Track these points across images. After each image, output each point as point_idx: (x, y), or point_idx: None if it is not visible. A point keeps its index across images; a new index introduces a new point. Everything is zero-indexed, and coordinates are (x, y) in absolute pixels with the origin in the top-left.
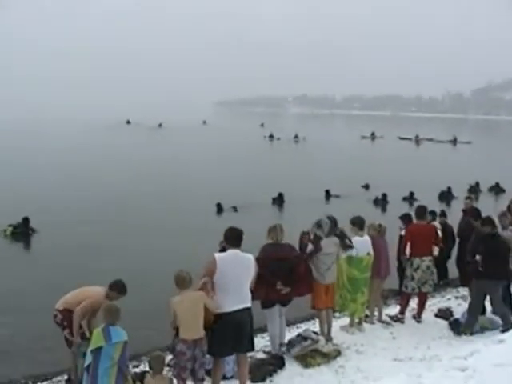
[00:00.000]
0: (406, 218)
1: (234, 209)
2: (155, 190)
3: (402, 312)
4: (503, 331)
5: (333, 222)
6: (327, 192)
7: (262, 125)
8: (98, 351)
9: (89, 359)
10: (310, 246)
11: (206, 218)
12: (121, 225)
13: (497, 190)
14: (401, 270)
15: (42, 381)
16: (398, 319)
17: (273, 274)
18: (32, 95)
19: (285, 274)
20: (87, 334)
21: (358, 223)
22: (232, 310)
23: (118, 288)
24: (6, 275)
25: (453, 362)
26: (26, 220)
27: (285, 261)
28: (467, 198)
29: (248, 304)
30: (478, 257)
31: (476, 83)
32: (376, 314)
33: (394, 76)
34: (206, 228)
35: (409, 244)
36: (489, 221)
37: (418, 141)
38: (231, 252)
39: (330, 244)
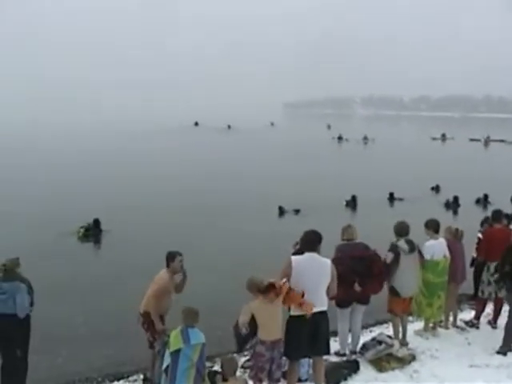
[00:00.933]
0: (486, 222)
1: (296, 212)
2: (221, 191)
3: (478, 317)
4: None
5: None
6: (391, 195)
7: (329, 126)
8: (176, 353)
9: (167, 361)
10: (391, 256)
11: (267, 220)
12: (183, 225)
13: None
14: (476, 275)
15: (119, 379)
16: (473, 325)
17: (351, 272)
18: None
19: (362, 271)
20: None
21: (433, 226)
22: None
23: (176, 253)
24: (82, 275)
25: None
26: (96, 221)
27: (361, 258)
28: None
29: (324, 307)
30: None
31: None
32: (451, 318)
33: (463, 76)
34: (267, 231)
35: (483, 247)
36: None
37: (487, 142)
38: (307, 255)
39: (410, 260)
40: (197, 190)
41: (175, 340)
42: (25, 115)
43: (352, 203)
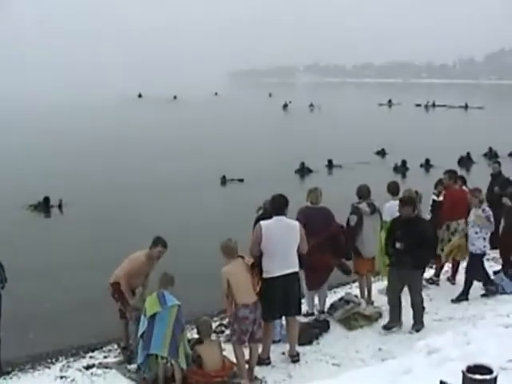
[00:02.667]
0: (439, 184)
1: (240, 181)
2: (166, 164)
3: (437, 275)
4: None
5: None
6: (329, 162)
7: (270, 94)
8: (153, 317)
9: (143, 327)
10: (355, 218)
11: (211, 190)
12: (125, 201)
13: None
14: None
15: (93, 350)
16: (433, 282)
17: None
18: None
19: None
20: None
21: (392, 188)
22: (280, 274)
23: (160, 242)
24: (42, 251)
25: (496, 319)
26: (46, 199)
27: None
28: (495, 162)
29: (295, 268)
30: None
31: (489, 48)
32: None
33: (405, 43)
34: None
35: (447, 207)
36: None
37: (428, 107)
38: (276, 219)
39: (371, 222)
40: (143, 163)
41: (152, 305)
42: None
43: (301, 171)
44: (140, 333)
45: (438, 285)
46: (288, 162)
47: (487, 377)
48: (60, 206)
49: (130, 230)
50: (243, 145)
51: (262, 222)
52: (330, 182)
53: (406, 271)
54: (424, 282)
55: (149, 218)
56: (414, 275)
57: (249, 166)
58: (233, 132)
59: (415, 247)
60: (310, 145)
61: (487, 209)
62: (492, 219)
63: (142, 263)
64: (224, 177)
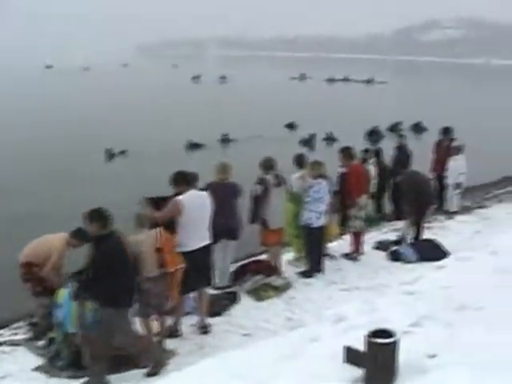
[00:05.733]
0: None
1: (122, 152)
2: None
3: (357, 251)
4: None
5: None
6: (224, 137)
7: (176, 66)
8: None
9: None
10: (260, 188)
11: (95, 163)
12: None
13: (418, 128)
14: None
15: (1, 328)
16: (353, 258)
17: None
18: None
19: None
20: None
21: (298, 161)
22: (197, 247)
23: (80, 235)
24: None
25: (400, 287)
26: None
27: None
28: (399, 135)
29: (209, 241)
30: None
31: (397, 24)
32: None
33: (315, 16)
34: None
35: (354, 184)
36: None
37: (333, 81)
38: (191, 192)
39: (277, 193)
40: (31, 138)
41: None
42: None
43: (192, 146)
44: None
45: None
46: (183, 136)
47: (389, 340)
48: None
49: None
50: (138, 116)
51: (181, 197)
52: (223, 156)
53: None
54: (332, 253)
55: (27, 195)
56: None
57: (139, 138)
58: (134, 104)
59: None
60: (214, 118)
61: (323, 183)
62: (321, 194)
63: (61, 251)
64: (109, 149)
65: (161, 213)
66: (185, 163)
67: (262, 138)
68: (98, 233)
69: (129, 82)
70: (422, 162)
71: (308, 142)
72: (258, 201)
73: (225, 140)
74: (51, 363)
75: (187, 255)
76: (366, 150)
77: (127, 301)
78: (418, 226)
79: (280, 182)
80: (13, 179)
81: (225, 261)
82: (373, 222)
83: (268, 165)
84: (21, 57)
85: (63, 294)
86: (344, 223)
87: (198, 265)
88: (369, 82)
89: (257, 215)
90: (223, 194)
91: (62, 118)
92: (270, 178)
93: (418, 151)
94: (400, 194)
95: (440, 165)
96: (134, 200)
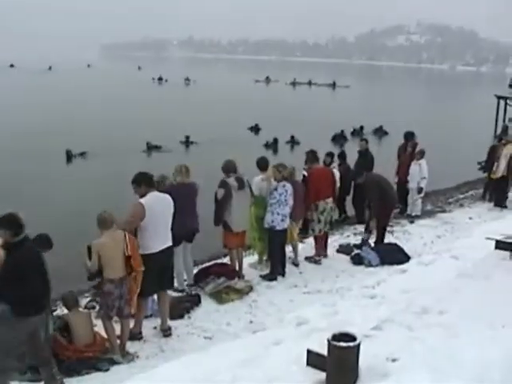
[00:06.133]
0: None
1: (82, 154)
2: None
3: (319, 254)
4: None
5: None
6: (187, 138)
7: (139, 68)
8: None
9: None
10: (222, 191)
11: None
12: None
13: (380, 133)
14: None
15: None
16: (316, 261)
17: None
18: None
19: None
20: None
21: (261, 164)
22: (160, 249)
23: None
24: None
25: (362, 291)
26: None
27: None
28: (362, 139)
29: (171, 242)
30: None
31: (360, 29)
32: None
33: (279, 20)
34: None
35: (312, 188)
36: None
37: (295, 84)
38: (153, 194)
39: (240, 196)
40: None
41: None
42: None
43: (151, 148)
44: None
45: (320, 263)
46: (145, 138)
47: (351, 344)
48: None
49: None
50: (100, 118)
51: (143, 200)
52: (184, 159)
53: None
54: (292, 256)
55: None
56: None
57: (100, 140)
58: (97, 105)
59: None
60: (177, 120)
61: (288, 185)
62: (285, 197)
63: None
64: (69, 151)
65: (124, 218)
66: (145, 165)
67: (224, 140)
68: (10, 240)
69: (92, 82)
70: (384, 166)
71: (271, 145)
72: (221, 204)
73: (187, 142)
74: None
75: (150, 257)
76: (330, 154)
77: (35, 309)
78: (380, 229)
79: (242, 184)
80: None
81: (186, 262)
82: (334, 225)
83: (230, 168)
84: None
85: None
86: (304, 226)
87: (160, 267)
88: (332, 85)
89: (219, 218)
90: (185, 195)
91: (22, 118)
92: (231, 180)
93: (380, 155)
94: (362, 196)
95: (404, 169)
96: (94, 202)
